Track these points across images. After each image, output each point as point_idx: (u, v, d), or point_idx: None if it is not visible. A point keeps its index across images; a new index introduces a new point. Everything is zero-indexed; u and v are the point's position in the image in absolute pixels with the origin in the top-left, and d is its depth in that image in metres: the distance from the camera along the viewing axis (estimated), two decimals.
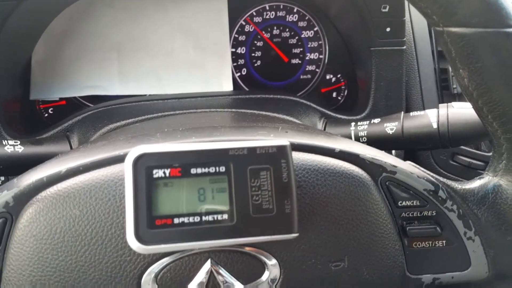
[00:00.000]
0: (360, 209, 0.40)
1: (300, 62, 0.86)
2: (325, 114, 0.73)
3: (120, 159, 0.37)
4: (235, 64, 0.85)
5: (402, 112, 0.61)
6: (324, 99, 0.87)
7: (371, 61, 0.72)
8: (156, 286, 0.37)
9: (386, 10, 0.68)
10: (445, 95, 0.77)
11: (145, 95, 0.80)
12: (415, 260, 0.43)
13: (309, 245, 0.39)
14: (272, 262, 0.38)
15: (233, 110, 0.65)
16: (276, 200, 0.34)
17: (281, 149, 0.35)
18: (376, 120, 0.62)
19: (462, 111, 0.56)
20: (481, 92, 0.39)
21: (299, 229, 0.35)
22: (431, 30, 0.78)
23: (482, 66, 0.38)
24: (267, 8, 0.83)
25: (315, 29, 0.84)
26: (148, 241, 0.32)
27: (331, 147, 0.41)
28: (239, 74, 0.86)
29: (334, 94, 0.87)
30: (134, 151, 0.32)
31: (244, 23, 0.84)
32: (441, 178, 0.44)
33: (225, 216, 0.33)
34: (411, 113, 0.60)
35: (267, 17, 0.83)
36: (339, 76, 0.86)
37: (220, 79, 0.83)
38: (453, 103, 0.58)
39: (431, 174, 0.44)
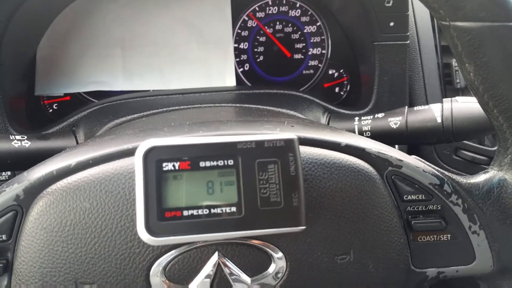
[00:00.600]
0: (365, 202, 0.41)
1: (302, 57, 0.86)
2: (328, 109, 0.73)
3: (129, 152, 0.37)
4: (238, 59, 0.85)
5: (406, 107, 0.61)
6: (326, 94, 0.87)
7: (374, 56, 0.72)
8: (164, 278, 0.37)
9: (390, 4, 0.68)
10: (448, 90, 0.77)
11: (149, 90, 0.81)
12: (420, 254, 0.43)
13: (315, 238, 0.39)
14: (278, 255, 0.39)
15: (238, 105, 0.65)
16: (284, 193, 0.35)
17: (288, 143, 0.36)
18: (380, 115, 0.62)
19: (466, 105, 0.56)
20: (487, 86, 0.40)
21: (306, 223, 0.36)
22: (435, 25, 0.78)
23: (488, 61, 0.38)
24: (270, 3, 0.83)
25: (318, 24, 0.84)
26: (158, 233, 0.32)
27: (337, 141, 0.41)
28: (241, 69, 0.86)
29: (337, 89, 0.87)
30: (144, 144, 0.33)
31: (246, 19, 0.84)
32: (446, 172, 0.44)
33: (234, 209, 0.34)
34: (415, 108, 0.61)
35: (270, 12, 0.84)
36: (341, 71, 0.86)
37: (223, 75, 0.83)
38: (457, 98, 0.58)
39: (437, 168, 0.44)
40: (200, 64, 0.82)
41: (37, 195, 0.37)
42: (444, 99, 0.59)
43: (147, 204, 0.32)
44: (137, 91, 0.80)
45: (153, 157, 0.33)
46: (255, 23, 0.84)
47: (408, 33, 0.72)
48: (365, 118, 0.63)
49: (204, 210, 0.33)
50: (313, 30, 0.85)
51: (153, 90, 0.81)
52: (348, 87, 0.87)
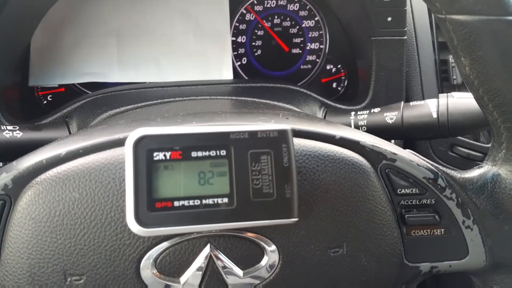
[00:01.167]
0: (359, 196, 0.40)
1: (300, 52, 0.85)
2: (325, 103, 0.73)
3: (120, 142, 0.36)
4: (235, 53, 0.84)
5: (402, 102, 0.61)
6: (324, 89, 0.86)
7: (371, 51, 0.72)
8: (155, 270, 0.37)
9: None
10: (445, 86, 0.77)
11: (145, 82, 0.80)
12: (413, 248, 0.43)
13: (308, 231, 0.39)
14: (271, 248, 0.38)
15: (234, 97, 0.65)
16: (277, 185, 0.34)
17: (282, 133, 0.35)
18: (376, 110, 0.62)
19: (462, 101, 0.56)
20: (482, 80, 0.39)
21: (298, 215, 0.35)
22: (432, 21, 0.78)
23: (484, 55, 0.38)
24: None
25: (316, 18, 0.84)
26: (148, 224, 0.32)
27: (332, 133, 0.41)
28: (239, 63, 0.85)
29: (334, 85, 0.87)
30: (135, 133, 0.32)
31: (245, 12, 0.83)
32: (440, 167, 0.44)
33: (225, 200, 0.33)
34: (411, 103, 0.60)
35: (268, 5, 0.83)
36: (339, 66, 0.86)
37: (220, 67, 0.82)
38: (453, 93, 0.58)
39: (431, 162, 0.44)
40: (197, 56, 0.82)
41: (26, 185, 0.36)
42: (440, 95, 0.58)
43: (137, 194, 0.31)
44: (132, 83, 0.79)
45: (144, 147, 0.32)
46: (253, 16, 0.83)
47: (406, 29, 0.71)
48: (361, 113, 0.63)
49: (196, 201, 0.33)
50: (311, 25, 0.84)
51: (148, 82, 0.80)
52: (346, 82, 0.86)
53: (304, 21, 0.84)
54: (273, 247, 0.38)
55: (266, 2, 0.83)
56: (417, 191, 0.42)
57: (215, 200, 0.33)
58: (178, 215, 0.32)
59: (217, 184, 0.33)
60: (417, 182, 0.42)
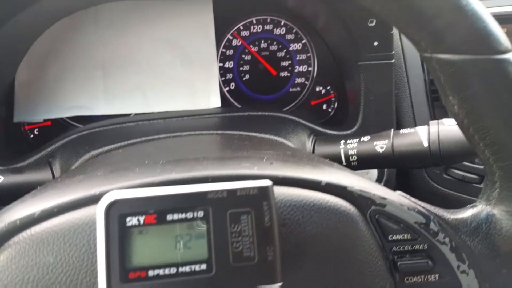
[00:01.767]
0: (348, 247, 0.39)
1: (289, 75, 0.84)
2: (315, 130, 0.72)
3: (95, 199, 0.35)
4: (223, 78, 0.83)
5: (392, 130, 0.60)
6: (314, 111, 0.85)
7: (359, 75, 0.71)
8: None
9: (373, 24, 0.67)
10: (436, 106, 0.75)
11: (131, 114, 0.79)
12: None
13: None
14: None
15: (219, 132, 0.63)
16: (258, 247, 0.33)
17: (262, 190, 0.34)
18: (366, 138, 0.61)
19: (453, 128, 0.55)
20: (472, 119, 0.38)
21: (285, 272, 0.34)
22: None
23: (472, 94, 0.37)
24: (254, 22, 0.82)
25: (303, 41, 0.83)
26: None
27: (317, 179, 0.40)
28: (227, 88, 0.84)
29: (325, 106, 0.86)
30: (106, 198, 0.31)
31: (231, 37, 0.82)
32: (432, 208, 0.42)
33: (203, 266, 0.32)
34: (401, 131, 0.59)
35: (254, 30, 0.82)
36: (328, 88, 0.85)
37: (208, 95, 0.81)
38: (444, 120, 0.57)
39: (422, 204, 0.42)
40: (184, 84, 0.81)
41: None
42: (430, 122, 0.57)
43: (109, 264, 0.30)
44: (119, 115, 0.78)
45: (116, 212, 0.31)
46: (240, 42, 0.82)
47: (393, 52, 0.70)
48: (350, 141, 0.62)
49: (172, 269, 0.31)
50: (299, 48, 0.83)
51: (135, 114, 0.79)
52: (336, 104, 0.85)
53: (291, 44, 0.83)
54: None
55: (252, 27, 0.82)
56: (409, 237, 0.41)
57: (192, 267, 0.31)
58: (152, 285, 0.30)
59: (194, 248, 0.32)
60: (408, 227, 0.41)
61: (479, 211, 0.42)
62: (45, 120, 0.79)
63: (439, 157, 0.55)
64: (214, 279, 0.32)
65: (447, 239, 0.40)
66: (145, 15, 0.78)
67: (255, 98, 0.85)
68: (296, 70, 0.84)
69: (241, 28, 0.82)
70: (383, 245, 0.40)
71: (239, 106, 0.84)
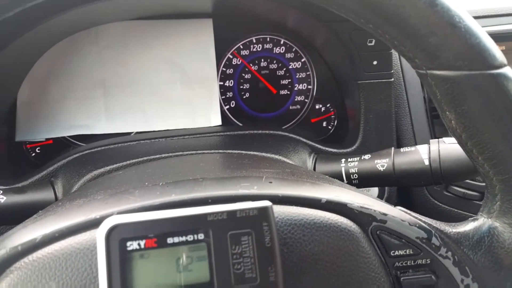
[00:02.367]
0: (350, 264, 0.38)
1: (288, 93, 0.85)
2: (315, 148, 0.72)
3: (96, 223, 0.35)
4: (223, 97, 0.84)
5: (393, 148, 0.60)
6: (314, 129, 0.86)
7: (359, 94, 0.71)
8: None
9: (372, 44, 0.68)
10: (436, 124, 0.76)
11: (131, 133, 0.79)
12: None
13: None
14: None
15: (219, 151, 0.63)
16: (260, 268, 0.33)
17: (262, 211, 0.34)
18: (367, 156, 0.61)
19: (453, 147, 0.55)
20: (470, 134, 0.38)
21: None
22: None
23: (469, 109, 0.37)
24: (254, 41, 0.83)
25: (303, 60, 0.83)
26: None
27: (317, 197, 0.39)
28: (228, 106, 0.85)
29: (324, 124, 0.86)
30: (107, 223, 0.31)
31: (231, 57, 0.83)
32: (433, 222, 0.42)
33: None
34: (402, 149, 0.59)
35: (254, 49, 0.83)
36: (328, 105, 0.85)
37: (208, 114, 0.82)
38: (444, 139, 0.57)
39: (423, 219, 0.42)
40: (184, 103, 0.81)
41: (1, 275, 0.34)
42: (431, 140, 0.58)
43: None
44: (120, 133, 0.79)
45: (116, 236, 0.31)
46: (240, 60, 0.83)
47: (392, 71, 0.71)
48: (351, 159, 0.62)
49: None
50: (298, 66, 0.84)
51: (135, 133, 0.79)
52: (336, 121, 0.85)
53: (291, 63, 0.84)
54: None
55: (252, 46, 0.83)
56: (411, 252, 0.41)
57: None
58: None
59: (196, 271, 0.32)
60: (410, 243, 0.40)
61: (481, 224, 0.41)
62: (46, 139, 0.79)
63: (440, 176, 0.55)
64: None
65: (449, 253, 0.40)
66: (145, 35, 0.79)
67: (256, 116, 0.86)
68: (296, 88, 0.85)
69: (241, 47, 0.83)
70: (385, 261, 0.40)
71: (240, 124, 0.85)
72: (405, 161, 0.57)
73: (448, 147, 0.55)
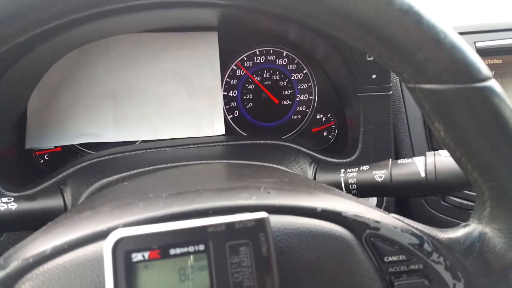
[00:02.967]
0: (346, 271, 0.40)
1: (290, 103, 0.87)
2: (315, 158, 0.74)
3: (103, 235, 0.37)
4: (227, 106, 0.86)
5: (390, 160, 0.61)
6: (315, 138, 0.88)
7: (358, 106, 0.73)
8: None
9: (371, 58, 0.70)
10: (434, 135, 0.77)
11: (138, 141, 0.82)
12: None
13: None
14: None
15: (221, 161, 0.66)
16: (257, 277, 0.34)
17: (259, 222, 0.36)
18: (365, 167, 0.63)
19: (449, 159, 0.57)
20: (458, 143, 0.40)
21: None
22: None
23: (456, 120, 0.38)
24: (257, 53, 0.85)
25: (304, 71, 0.86)
26: None
27: (313, 206, 0.41)
28: (231, 116, 0.87)
29: (325, 133, 0.88)
30: (113, 236, 0.33)
31: (235, 68, 0.85)
32: (426, 229, 0.43)
33: None
34: (399, 161, 0.61)
35: (258, 61, 0.85)
36: (329, 115, 0.87)
37: (212, 123, 0.84)
38: (440, 151, 0.59)
39: (415, 225, 0.43)
40: (190, 113, 0.84)
41: (13, 286, 0.36)
42: (427, 152, 0.59)
43: None
44: (127, 142, 0.81)
45: (122, 248, 0.33)
46: (244, 72, 0.86)
47: (391, 84, 0.73)
48: (350, 170, 0.63)
49: None
50: (300, 78, 0.86)
51: (142, 141, 0.82)
52: (336, 131, 0.87)
53: (293, 74, 0.86)
54: None
55: (255, 58, 0.85)
56: (404, 258, 0.42)
57: None
58: None
59: (197, 280, 0.34)
60: (403, 249, 0.42)
61: (472, 230, 0.43)
62: (55, 147, 0.82)
63: (435, 187, 0.57)
64: None
65: (441, 259, 0.41)
66: (153, 47, 0.82)
67: (258, 125, 0.88)
68: (297, 99, 0.87)
69: (245, 58, 0.85)
70: (379, 266, 0.41)
71: (243, 133, 0.87)
72: (402, 173, 0.59)
73: (444, 160, 0.57)
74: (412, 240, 0.42)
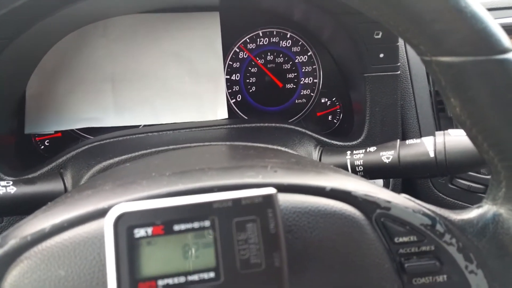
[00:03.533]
0: (355, 251, 0.39)
1: (294, 86, 0.85)
2: (321, 141, 0.72)
3: (103, 212, 0.36)
4: (230, 90, 0.85)
5: (398, 140, 0.60)
6: (319, 122, 0.86)
7: (365, 87, 0.71)
8: None
9: (379, 36, 0.68)
10: (441, 117, 0.76)
11: (139, 126, 0.80)
12: None
13: None
14: None
15: (225, 143, 0.64)
16: (265, 254, 0.33)
17: (267, 198, 0.34)
18: (372, 149, 0.61)
19: (459, 139, 0.55)
20: (475, 121, 0.38)
21: (292, 278, 0.34)
22: None
23: (474, 95, 0.36)
24: (260, 34, 0.83)
25: (309, 53, 0.84)
26: None
27: (322, 185, 0.40)
28: (234, 100, 0.85)
29: (330, 117, 0.86)
30: (114, 211, 0.32)
31: (238, 50, 0.83)
32: (438, 210, 0.42)
33: (212, 275, 0.32)
34: (407, 141, 0.59)
35: (261, 43, 0.83)
36: (334, 99, 0.86)
37: (215, 107, 0.82)
38: (450, 131, 0.57)
39: (427, 206, 0.42)
40: (192, 97, 0.82)
41: (11, 264, 0.35)
42: (436, 132, 0.58)
43: (119, 275, 0.30)
44: (128, 126, 0.80)
45: (124, 224, 0.31)
46: (246, 54, 0.84)
47: (399, 63, 0.71)
48: (357, 152, 0.62)
49: (181, 278, 0.31)
50: (304, 60, 0.84)
51: (144, 126, 0.80)
52: (341, 115, 0.86)
53: (297, 57, 0.84)
54: None
55: (258, 40, 0.83)
56: (415, 239, 0.41)
57: (201, 275, 0.32)
58: None
59: (202, 257, 0.32)
60: (414, 229, 0.41)
61: (486, 211, 0.41)
62: (55, 132, 0.80)
63: (445, 167, 0.55)
64: (223, 287, 0.32)
65: (453, 240, 0.40)
66: (153, 29, 0.80)
67: (262, 109, 0.86)
68: (301, 82, 0.85)
69: (248, 40, 0.83)
70: (389, 247, 0.40)
71: (246, 117, 0.85)
72: (410, 153, 0.58)
73: (454, 139, 0.55)
74: (424, 221, 0.41)
